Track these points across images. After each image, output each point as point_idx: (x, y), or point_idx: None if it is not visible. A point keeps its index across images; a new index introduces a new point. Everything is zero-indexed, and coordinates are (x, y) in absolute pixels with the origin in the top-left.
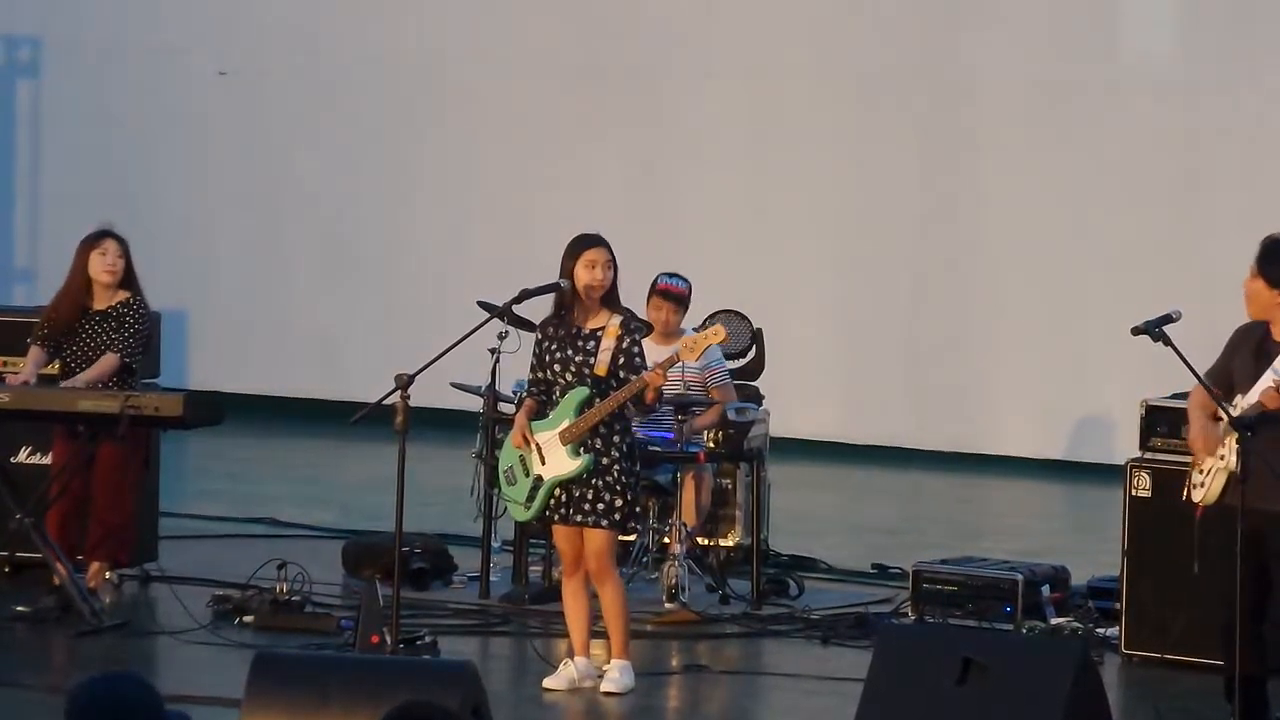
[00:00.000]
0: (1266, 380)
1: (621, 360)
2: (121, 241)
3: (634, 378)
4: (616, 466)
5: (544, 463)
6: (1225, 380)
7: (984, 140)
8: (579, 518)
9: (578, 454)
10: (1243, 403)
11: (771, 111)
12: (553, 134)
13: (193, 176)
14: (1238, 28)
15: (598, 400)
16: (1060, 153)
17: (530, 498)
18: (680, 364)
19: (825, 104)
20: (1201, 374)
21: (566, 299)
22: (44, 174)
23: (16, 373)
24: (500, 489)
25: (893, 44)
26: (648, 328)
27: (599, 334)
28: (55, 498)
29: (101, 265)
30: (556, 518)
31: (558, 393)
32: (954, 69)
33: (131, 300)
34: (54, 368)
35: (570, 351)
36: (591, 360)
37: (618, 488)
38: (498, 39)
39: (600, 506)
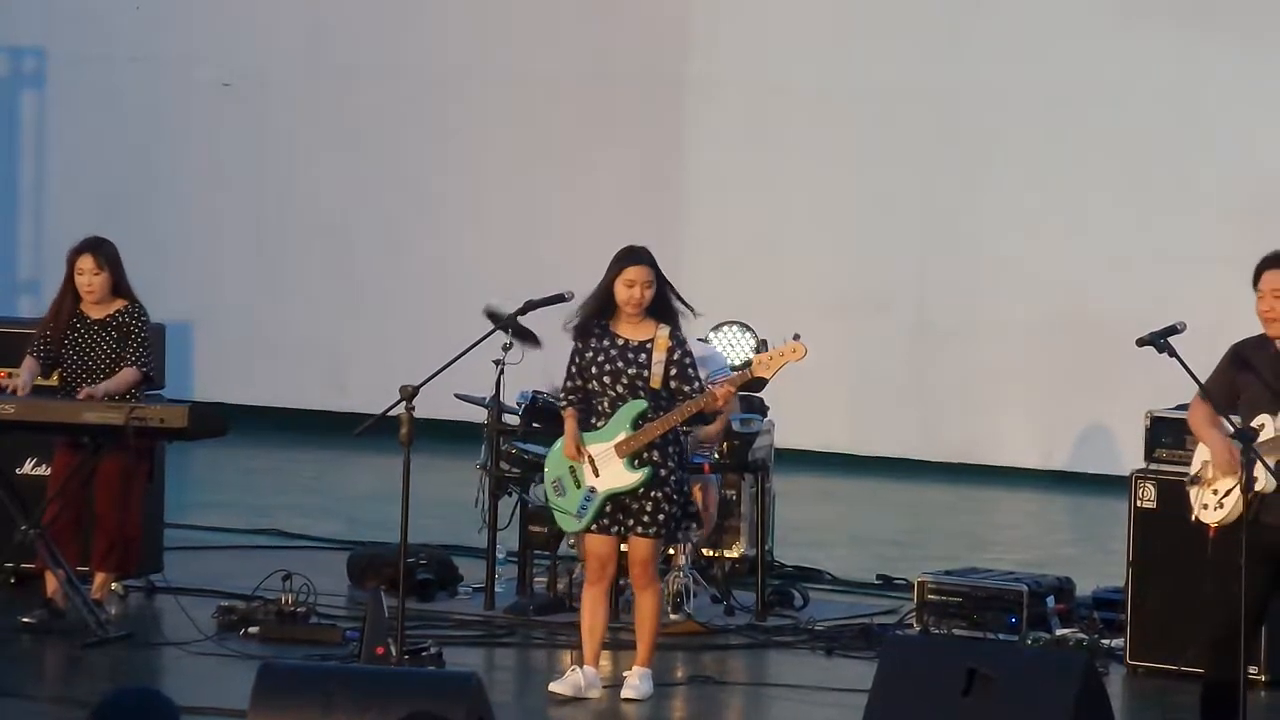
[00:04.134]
0: None
1: (674, 371)
2: (101, 254)
3: (686, 388)
4: (673, 477)
5: (597, 475)
6: (1229, 396)
7: (986, 152)
8: (638, 529)
9: (635, 467)
10: (1274, 424)
11: (776, 122)
12: (558, 146)
13: (197, 188)
14: (1245, 32)
15: (654, 414)
16: (1063, 164)
17: (583, 509)
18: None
19: (830, 115)
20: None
21: (603, 307)
22: (48, 185)
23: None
24: (548, 499)
25: (893, 57)
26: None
27: (648, 345)
28: (60, 510)
29: (79, 285)
30: (595, 527)
31: (606, 404)
32: (955, 82)
33: (130, 308)
34: (54, 379)
35: (621, 364)
36: (645, 373)
37: (675, 497)
38: (502, 50)
39: (660, 517)
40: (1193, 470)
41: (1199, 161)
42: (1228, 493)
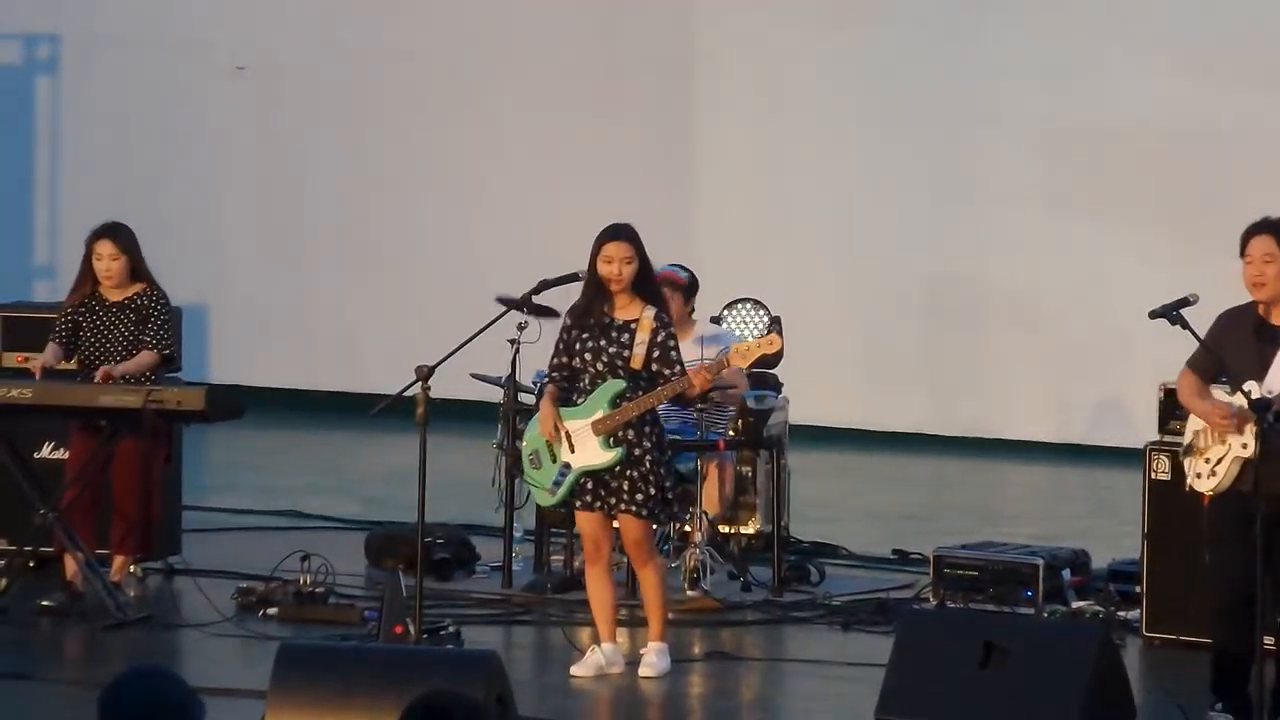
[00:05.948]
0: None
1: (656, 354)
2: (119, 238)
3: (667, 370)
4: (649, 458)
5: (573, 451)
6: (1214, 368)
7: (995, 128)
8: (620, 507)
9: (609, 446)
10: (1260, 389)
11: (786, 100)
12: (569, 126)
13: (212, 172)
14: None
15: (633, 394)
16: (1071, 138)
17: (556, 484)
18: (701, 349)
19: (838, 94)
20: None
21: (597, 287)
22: (64, 170)
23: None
24: (524, 472)
25: (902, 39)
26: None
27: (632, 326)
28: (79, 493)
29: (98, 270)
30: (579, 504)
31: (586, 381)
32: (961, 64)
33: (149, 291)
34: (75, 363)
35: (603, 341)
36: (625, 352)
37: (651, 478)
38: (514, 33)
39: (639, 497)
40: (1185, 441)
41: (1215, 142)
42: (1219, 460)
